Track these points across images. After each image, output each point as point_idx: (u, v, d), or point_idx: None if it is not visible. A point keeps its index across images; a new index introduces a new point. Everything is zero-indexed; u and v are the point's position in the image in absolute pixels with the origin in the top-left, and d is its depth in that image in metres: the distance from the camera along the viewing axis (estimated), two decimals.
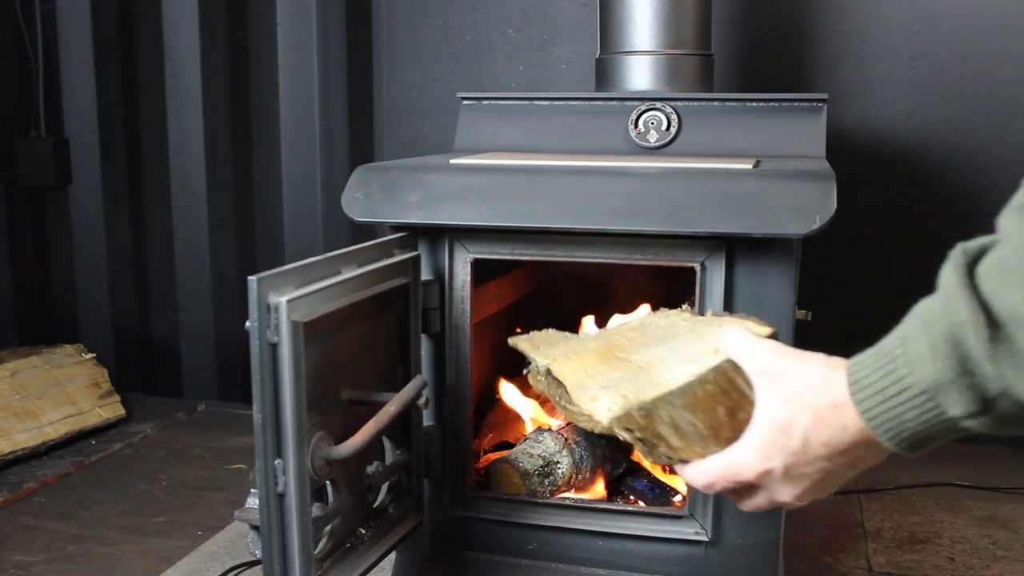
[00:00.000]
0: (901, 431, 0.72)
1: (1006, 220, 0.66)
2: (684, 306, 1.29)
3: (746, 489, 0.86)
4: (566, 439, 1.60)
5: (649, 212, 1.34)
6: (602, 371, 1.14)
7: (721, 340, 0.94)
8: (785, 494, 0.83)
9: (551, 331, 1.31)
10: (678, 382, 1.00)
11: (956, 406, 0.68)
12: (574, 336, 1.30)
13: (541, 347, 1.27)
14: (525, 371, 1.27)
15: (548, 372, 1.17)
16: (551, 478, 1.58)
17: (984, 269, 0.67)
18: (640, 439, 1.01)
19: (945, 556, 1.98)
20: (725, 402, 0.97)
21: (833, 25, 2.51)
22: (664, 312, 1.25)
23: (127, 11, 2.94)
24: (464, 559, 1.56)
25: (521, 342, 1.29)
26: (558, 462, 1.58)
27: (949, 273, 0.68)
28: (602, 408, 1.05)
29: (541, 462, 1.58)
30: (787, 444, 0.80)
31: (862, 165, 2.52)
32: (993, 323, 0.65)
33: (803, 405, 0.79)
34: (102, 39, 2.94)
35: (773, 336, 1.00)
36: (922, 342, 0.69)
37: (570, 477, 1.59)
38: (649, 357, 1.13)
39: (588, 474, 1.62)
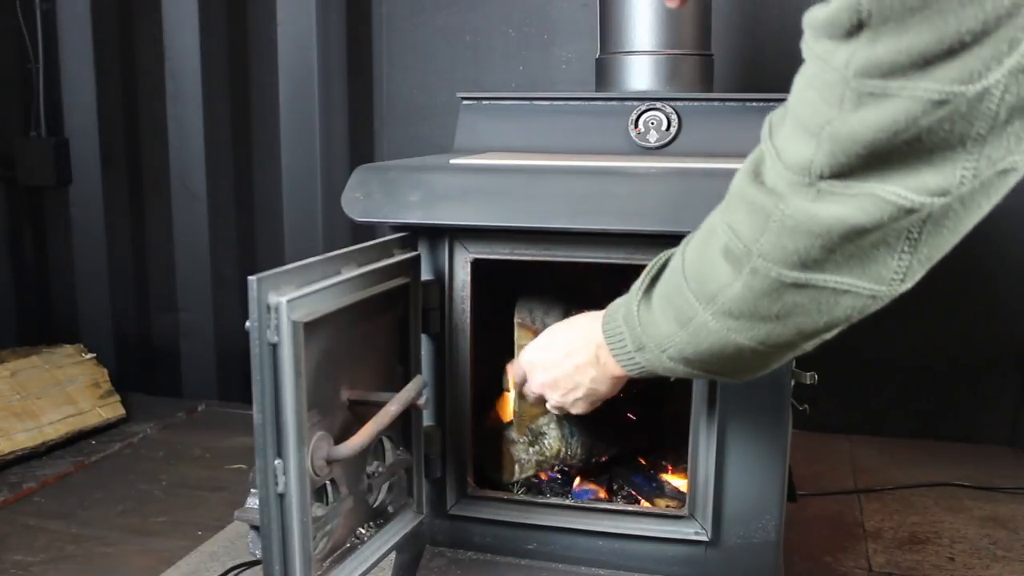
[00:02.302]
0: (612, 346, 1.10)
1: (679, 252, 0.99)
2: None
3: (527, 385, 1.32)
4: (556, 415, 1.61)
5: (649, 212, 1.34)
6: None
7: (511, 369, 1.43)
8: (535, 381, 1.27)
9: None
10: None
11: (629, 340, 1.07)
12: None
13: None
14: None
15: None
16: (536, 447, 1.60)
17: (668, 265, 1.00)
18: (533, 425, 1.61)
19: (945, 556, 1.99)
20: None
21: None
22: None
23: (127, 11, 2.94)
24: (464, 559, 1.56)
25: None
26: (544, 433, 1.60)
27: (652, 262, 1.04)
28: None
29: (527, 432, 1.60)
30: (539, 346, 1.28)
31: None
32: (647, 298, 1.03)
33: (560, 333, 1.25)
34: (102, 39, 2.94)
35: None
36: (626, 296, 1.08)
37: (559, 451, 1.60)
38: None
39: (579, 450, 1.63)
